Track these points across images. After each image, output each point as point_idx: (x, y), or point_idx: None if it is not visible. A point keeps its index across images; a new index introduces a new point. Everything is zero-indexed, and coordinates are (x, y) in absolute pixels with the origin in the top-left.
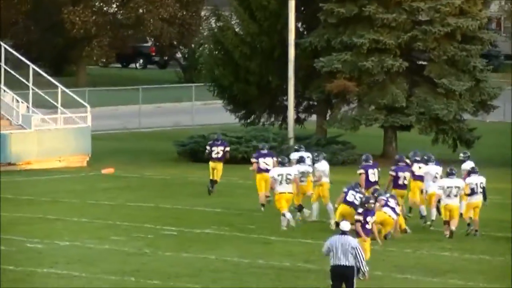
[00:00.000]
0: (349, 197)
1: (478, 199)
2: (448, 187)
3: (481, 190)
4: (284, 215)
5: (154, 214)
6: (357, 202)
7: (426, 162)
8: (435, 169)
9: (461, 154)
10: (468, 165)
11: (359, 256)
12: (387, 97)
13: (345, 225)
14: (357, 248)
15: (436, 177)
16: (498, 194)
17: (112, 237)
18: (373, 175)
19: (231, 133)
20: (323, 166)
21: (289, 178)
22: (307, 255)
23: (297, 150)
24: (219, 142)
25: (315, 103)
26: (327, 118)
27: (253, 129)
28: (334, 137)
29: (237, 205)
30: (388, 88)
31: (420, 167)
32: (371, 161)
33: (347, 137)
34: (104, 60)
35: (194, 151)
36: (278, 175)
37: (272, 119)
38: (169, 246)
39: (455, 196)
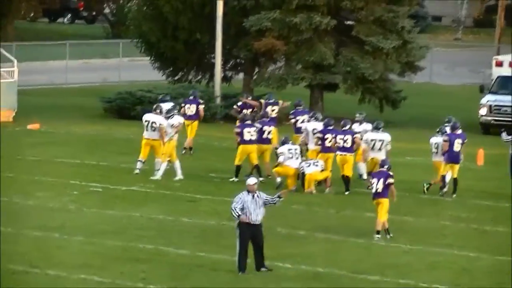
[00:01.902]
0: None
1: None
2: (372, 140)
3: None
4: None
5: (80, 170)
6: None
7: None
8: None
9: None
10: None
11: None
12: (315, 55)
13: (252, 181)
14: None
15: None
16: (424, 155)
17: (38, 192)
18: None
19: (157, 90)
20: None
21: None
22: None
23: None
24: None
25: (243, 62)
26: (254, 77)
27: (180, 86)
28: (260, 96)
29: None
30: (316, 46)
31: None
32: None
33: (274, 96)
34: (32, 15)
35: (120, 108)
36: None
37: (200, 77)
38: (94, 203)
39: (379, 149)
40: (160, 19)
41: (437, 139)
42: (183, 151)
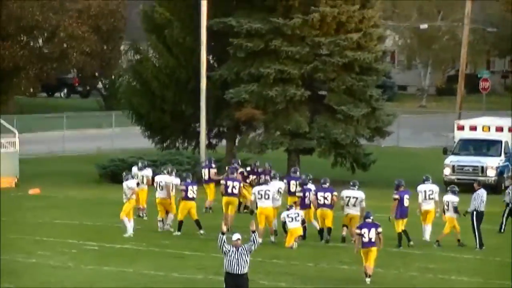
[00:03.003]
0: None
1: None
2: (347, 197)
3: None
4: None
5: (78, 230)
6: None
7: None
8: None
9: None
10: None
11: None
12: (291, 124)
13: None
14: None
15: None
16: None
17: (39, 251)
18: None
19: (148, 157)
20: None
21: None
22: (217, 268)
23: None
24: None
25: (225, 130)
26: (237, 143)
27: (168, 153)
28: (243, 160)
29: (153, 223)
30: (292, 115)
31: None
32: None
33: (254, 160)
34: (31, 90)
35: (114, 173)
36: None
37: (186, 144)
38: (91, 260)
39: (354, 205)
40: (148, 93)
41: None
42: (204, 210)
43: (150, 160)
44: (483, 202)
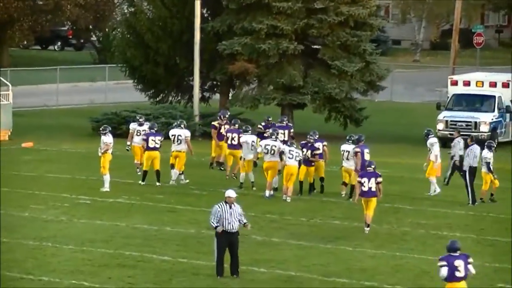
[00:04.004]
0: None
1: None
2: (346, 151)
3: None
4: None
5: (71, 184)
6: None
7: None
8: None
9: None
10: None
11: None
12: (285, 77)
13: (232, 193)
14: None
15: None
16: (387, 168)
17: (32, 205)
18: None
19: (141, 110)
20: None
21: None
22: None
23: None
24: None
25: (219, 83)
26: (230, 97)
27: (161, 107)
28: (236, 115)
29: (148, 176)
30: (285, 69)
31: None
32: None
33: (247, 114)
34: (25, 43)
35: None
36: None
37: (179, 98)
38: (84, 214)
39: (347, 159)
40: (142, 45)
41: (347, 147)
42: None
43: (144, 114)
44: (476, 157)
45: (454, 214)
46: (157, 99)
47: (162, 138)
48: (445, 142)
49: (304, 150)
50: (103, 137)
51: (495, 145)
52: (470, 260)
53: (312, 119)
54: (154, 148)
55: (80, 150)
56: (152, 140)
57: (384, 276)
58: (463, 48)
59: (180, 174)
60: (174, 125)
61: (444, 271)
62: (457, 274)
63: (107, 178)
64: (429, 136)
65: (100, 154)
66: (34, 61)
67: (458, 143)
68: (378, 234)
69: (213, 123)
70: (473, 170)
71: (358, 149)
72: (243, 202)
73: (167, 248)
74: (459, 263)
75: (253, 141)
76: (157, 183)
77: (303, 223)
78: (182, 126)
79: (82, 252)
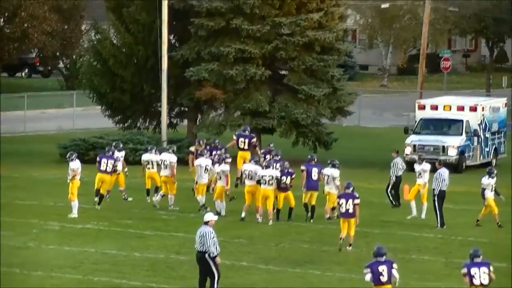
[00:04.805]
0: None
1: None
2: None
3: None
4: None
5: (39, 210)
6: None
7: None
8: None
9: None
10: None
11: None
12: (252, 103)
13: (209, 216)
14: (204, 233)
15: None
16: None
17: (1, 232)
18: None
19: (109, 136)
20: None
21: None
22: (179, 247)
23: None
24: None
25: (186, 109)
26: (197, 123)
27: (129, 132)
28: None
29: (115, 202)
30: (252, 94)
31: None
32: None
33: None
34: None
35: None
36: None
37: (147, 124)
38: (52, 240)
39: (327, 183)
40: (108, 73)
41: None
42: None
43: (112, 140)
44: (444, 180)
45: (423, 238)
46: (125, 125)
47: (116, 163)
48: (412, 166)
49: (284, 178)
50: (70, 164)
51: (495, 171)
52: (395, 265)
53: (281, 143)
54: (105, 171)
55: (48, 177)
56: (104, 163)
57: None
58: (430, 73)
59: (155, 192)
60: (149, 148)
61: (367, 277)
62: (382, 278)
63: (75, 204)
64: (424, 161)
65: (68, 180)
66: (1, 88)
67: (396, 163)
68: (347, 258)
69: (190, 148)
70: (442, 194)
71: (303, 167)
72: None
73: (136, 274)
74: (383, 268)
75: (207, 165)
76: (97, 206)
77: (272, 247)
78: (171, 151)
79: (51, 278)
